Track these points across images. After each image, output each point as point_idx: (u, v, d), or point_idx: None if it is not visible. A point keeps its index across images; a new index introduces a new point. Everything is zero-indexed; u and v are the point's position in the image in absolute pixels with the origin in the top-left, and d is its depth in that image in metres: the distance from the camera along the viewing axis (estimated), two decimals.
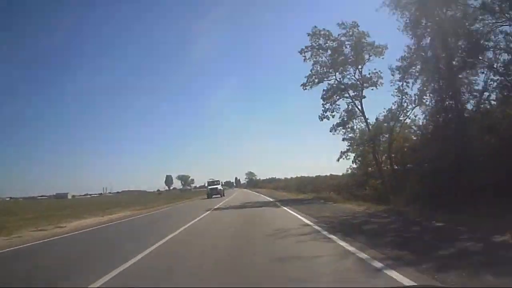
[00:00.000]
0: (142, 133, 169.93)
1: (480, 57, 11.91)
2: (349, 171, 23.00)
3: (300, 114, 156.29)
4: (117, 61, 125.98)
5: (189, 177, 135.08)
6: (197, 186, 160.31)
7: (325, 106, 20.76)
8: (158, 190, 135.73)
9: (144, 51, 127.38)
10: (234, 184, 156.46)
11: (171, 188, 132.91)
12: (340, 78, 20.58)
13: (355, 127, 20.50)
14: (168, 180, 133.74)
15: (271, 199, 25.03)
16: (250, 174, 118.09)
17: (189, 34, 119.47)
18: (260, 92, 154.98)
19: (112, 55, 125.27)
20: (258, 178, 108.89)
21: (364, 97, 20.18)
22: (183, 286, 4.04)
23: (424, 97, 15.17)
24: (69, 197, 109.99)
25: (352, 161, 21.34)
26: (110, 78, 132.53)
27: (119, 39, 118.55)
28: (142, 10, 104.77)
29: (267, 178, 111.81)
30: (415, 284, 3.45)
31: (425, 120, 15.47)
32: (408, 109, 17.70)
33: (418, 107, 16.87)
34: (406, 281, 3.53)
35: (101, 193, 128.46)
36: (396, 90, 17.31)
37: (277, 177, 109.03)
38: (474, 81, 12.67)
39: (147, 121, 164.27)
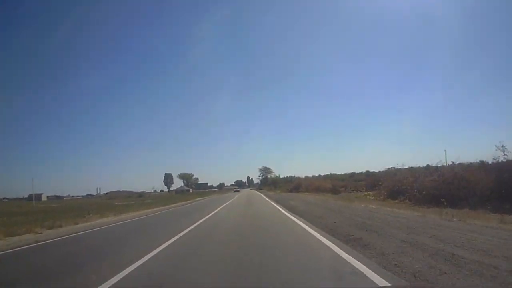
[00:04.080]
0: (142, 132, 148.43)
1: None
2: None
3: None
4: (115, 63, 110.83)
5: (192, 175, 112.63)
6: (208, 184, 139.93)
7: None
8: (161, 191, 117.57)
9: (145, 50, 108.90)
10: (247, 184, 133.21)
11: (171, 188, 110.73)
12: None
13: None
14: (168, 179, 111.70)
15: None
16: (265, 171, 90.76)
17: (191, 31, 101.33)
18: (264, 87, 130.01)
19: (111, 56, 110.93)
20: (277, 175, 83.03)
21: None
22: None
23: None
24: (44, 198, 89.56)
25: None
26: (108, 79, 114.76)
27: (117, 41, 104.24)
28: (143, 11, 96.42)
29: (285, 176, 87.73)
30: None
31: None
32: None
33: None
34: None
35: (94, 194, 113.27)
36: None
37: (296, 176, 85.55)
38: None
39: (147, 120, 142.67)
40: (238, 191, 75.32)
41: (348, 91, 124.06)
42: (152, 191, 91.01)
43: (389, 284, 3.24)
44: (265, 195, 36.93)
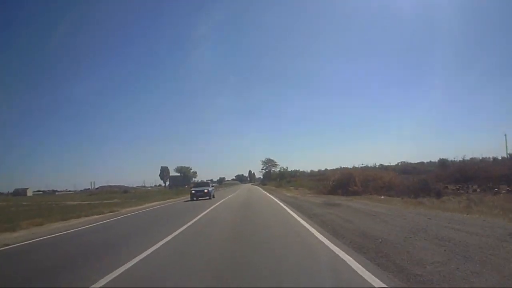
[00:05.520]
0: (141, 125, 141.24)
1: None
2: None
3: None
4: (114, 60, 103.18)
5: (191, 169, 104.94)
6: (205, 180, 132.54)
7: None
8: (159, 185, 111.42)
9: (143, 48, 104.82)
10: (248, 179, 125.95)
11: (167, 183, 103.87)
12: None
13: None
14: (164, 173, 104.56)
15: None
16: (268, 163, 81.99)
17: (190, 29, 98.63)
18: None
19: (109, 54, 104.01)
20: (284, 167, 73.33)
21: None
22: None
23: None
24: (29, 193, 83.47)
25: None
26: (107, 76, 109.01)
27: (116, 39, 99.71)
28: (142, 10, 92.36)
29: (289, 170, 79.85)
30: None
31: None
32: None
33: None
34: None
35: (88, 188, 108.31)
36: None
37: (300, 170, 77.37)
38: None
39: (147, 114, 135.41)
40: (204, 194, 22.51)
41: (350, 88, 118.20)
42: (144, 185, 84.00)
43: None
44: (286, 203, 15.15)
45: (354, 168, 25.46)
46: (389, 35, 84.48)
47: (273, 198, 20.72)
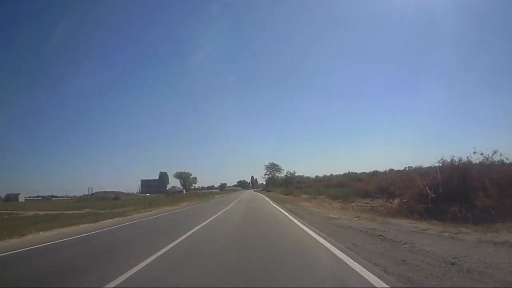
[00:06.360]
0: (144, 131, 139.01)
1: None
2: None
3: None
4: (115, 63, 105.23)
5: (190, 174, 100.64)
6: (205, 186, 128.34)
7: None
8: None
9: (145, 50, 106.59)
10: (251, 185, 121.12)
11: (168, 188, 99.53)
12: None
13: None
14: (163, 178, 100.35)
15: None
16: (272, 168, 76.53)
17: (193, 31, 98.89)
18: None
19: (109, 57, 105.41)
20: (291, 172, 67.38)
21: None
22: None
23: None
24: (21, 199, 79.77)
25: None
26: (107, 79, 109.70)
27: (117, 41, 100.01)
28: (145, 11, 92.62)
29: (296, 175, 74.49)
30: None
31: None
32: None
33: None
34: None
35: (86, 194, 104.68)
36: None
37: (305, 175, 71.55)
38: None
39: (149, 119, 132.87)
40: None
41: (351, 92, 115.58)
42: (139, 191, 79.66)
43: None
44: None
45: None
46: (392, 39, 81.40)
47: (326, 244, 5.79)
